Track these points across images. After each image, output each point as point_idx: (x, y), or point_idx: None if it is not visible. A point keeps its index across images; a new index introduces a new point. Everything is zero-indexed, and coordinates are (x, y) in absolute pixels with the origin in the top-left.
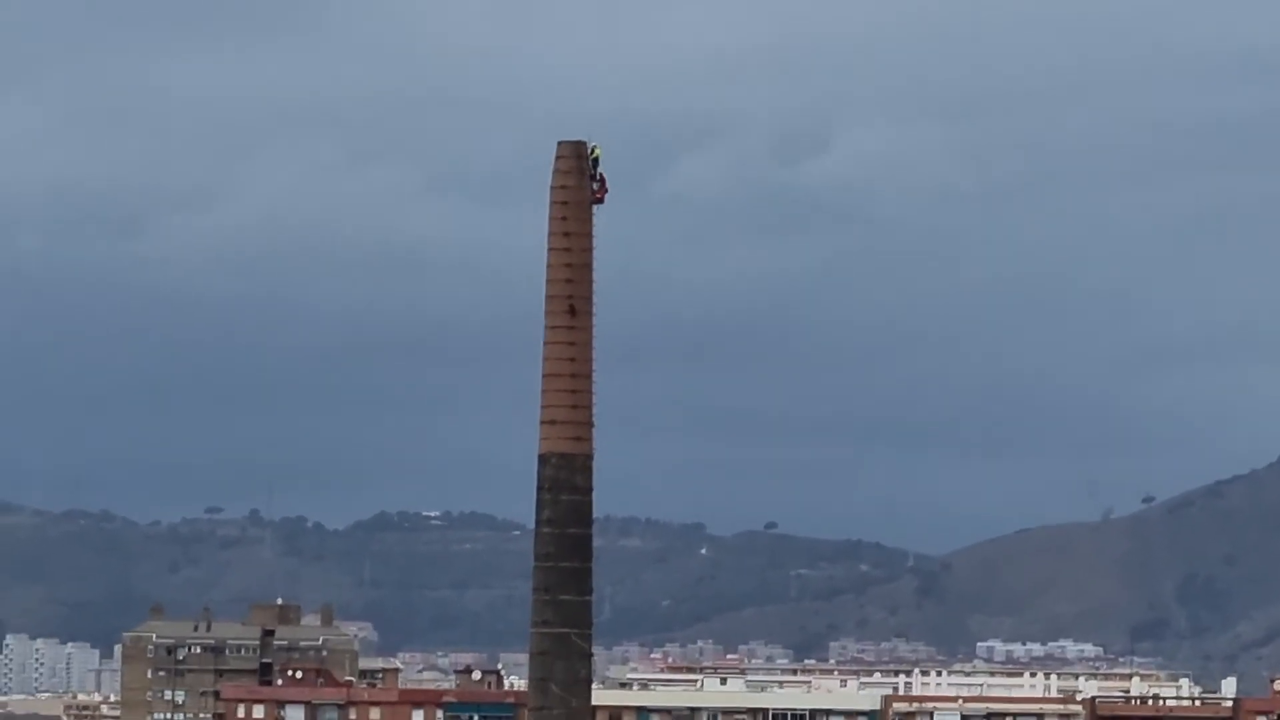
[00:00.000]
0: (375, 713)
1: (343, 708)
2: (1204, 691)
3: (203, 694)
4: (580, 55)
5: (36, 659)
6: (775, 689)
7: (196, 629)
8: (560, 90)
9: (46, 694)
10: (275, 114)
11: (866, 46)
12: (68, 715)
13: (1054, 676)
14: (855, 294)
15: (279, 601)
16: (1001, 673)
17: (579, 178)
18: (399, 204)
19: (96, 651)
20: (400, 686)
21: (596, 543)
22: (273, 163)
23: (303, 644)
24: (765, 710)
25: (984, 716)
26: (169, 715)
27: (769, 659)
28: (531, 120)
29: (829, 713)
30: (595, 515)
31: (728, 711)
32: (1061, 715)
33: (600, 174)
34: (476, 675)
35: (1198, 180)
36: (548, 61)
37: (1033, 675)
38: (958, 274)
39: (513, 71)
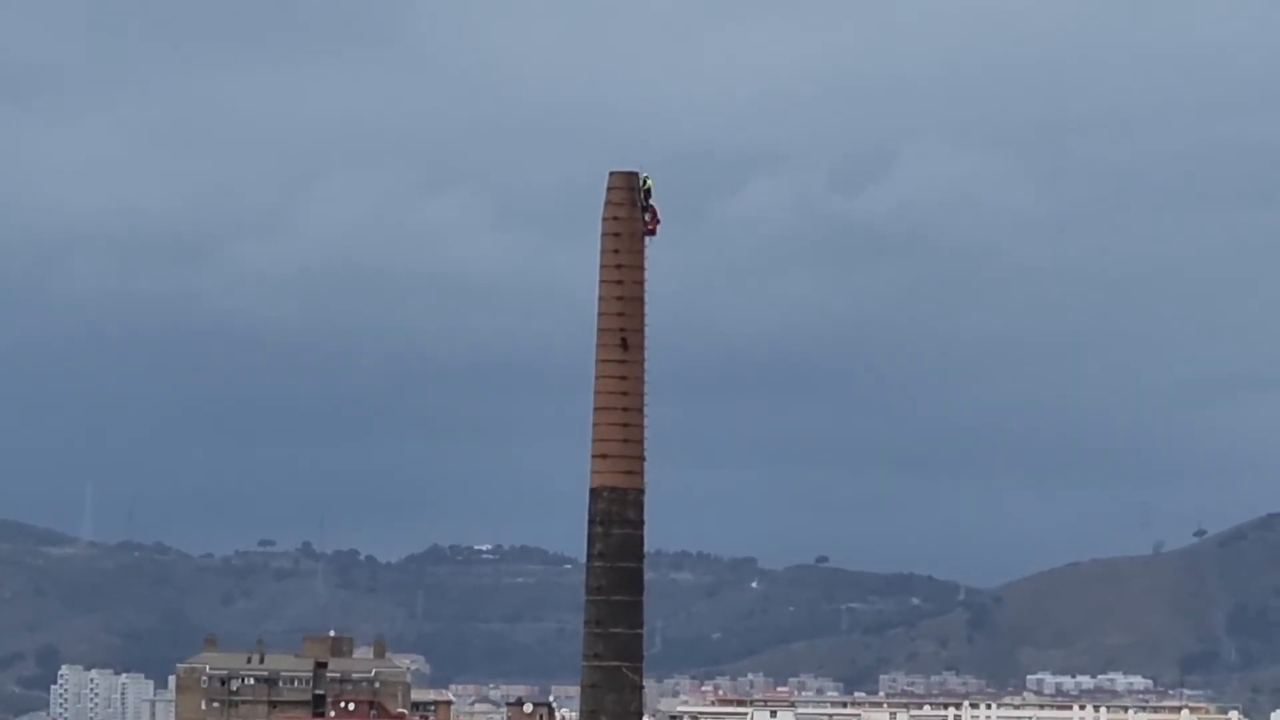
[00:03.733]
0: None
1: None
2: None
3: None
4: (647, 86)
5: (91, 690)
6: None
7: (250, 660)
8: (626, 121)
9: None
10: (342, 143)
11: (928, 76)
12: None
13: (1104, 709)
14: (910, 326)
15: (332, 633)
16: (1051, 705)
17: (630, 209)
18: (463, 234)
19: (151, 682)
20: (452, 719)
21: (648, 576)
22: (338, 192)
23: (355, 676)
24: None
25: None
26: None
27: (819, 692)
28: (597, 150)
29: None
30: (647, 549)
31: None
32: None
33: (652, 205)
34: (528, 708)
35: (1258, 210)
36: (615, 92)
37: (1083, 708)
38: (1013, 305)
39: (580, 101)
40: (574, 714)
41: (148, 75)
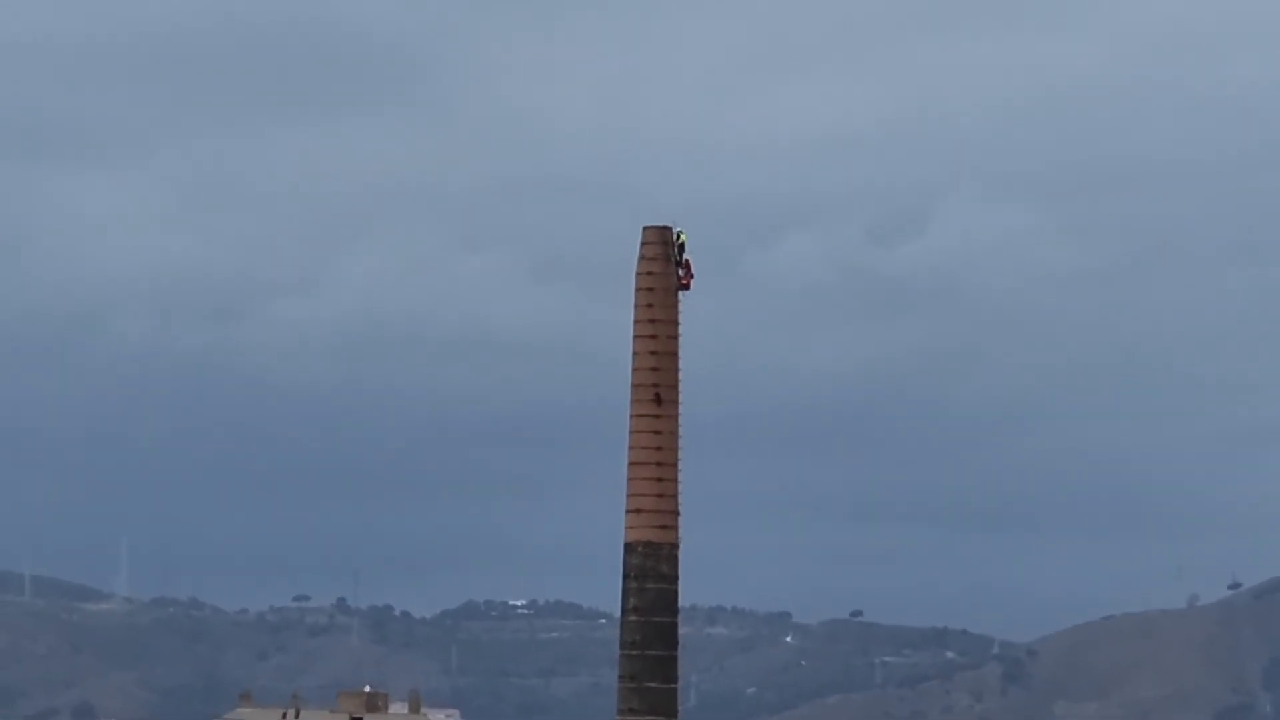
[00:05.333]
0: None
1: None
2: None
3: None
4: (682, 140)
5: None
6: None
7: (285, 716)
8: (661, 174)
9: None
10: (379, 200)
11: (965, 129)
12: None
13: None
14: (945, 379)
15: (367, 689)
16: None
17: (664, 264)
18: (499, 291)
19: None
20: None
21: (682, 631)
22: (375, 249)
23: None
24: None
25: None
26: None
27: None
28: (631, 204)
29: None
30: (681, 603)
31: None
32: None
33: (686, 259)
34: None
35: None
36: (650, 146)
37: None
38: (1048, 359)
39: (616, 155)
40: None
41: (185, 132)
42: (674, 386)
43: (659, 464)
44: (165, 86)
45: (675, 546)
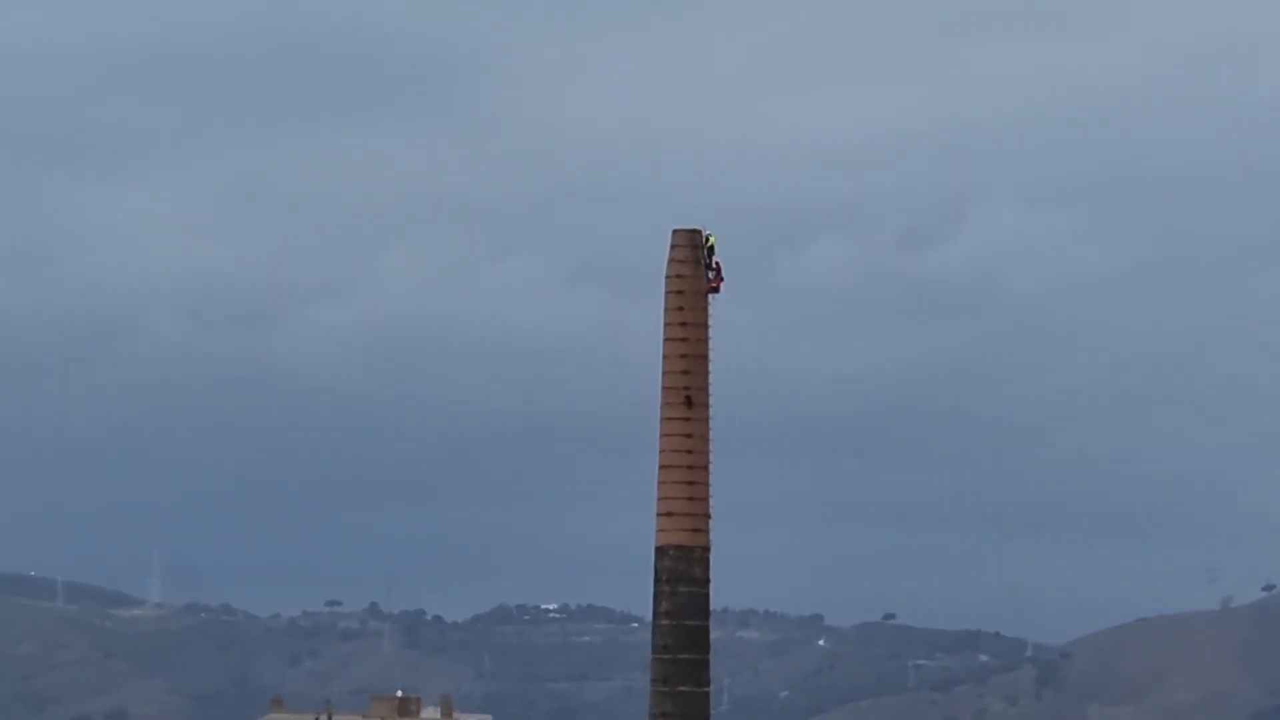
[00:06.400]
0: None
1: None
2: None
3: None
4: (714, 143)
5: None
6: None
7: None
8: (692, 178)
9: None
10: (412, 207)
11: (998, 133)
12: None
13: None
14: (977, 383)
15: (399, 693)
16: None
17: (694, 267)
18: (530, 296)
19: None
20: None
21: (714, 634)
22: (408, 255)
23: None
24: None
25: None
26: None
27: None
28: (664, 209)
29: None
30: (713, 607)
31: None
32: None
33: (716, 263)
34: None
35: None
36: (682, 149)
37: None
38: (1081, 363)
39: (647, 159)
40: None
41: (217, 139)
42: (705, 389)
43: (690, 467)
44: (197, 94)
45: (707, 550)
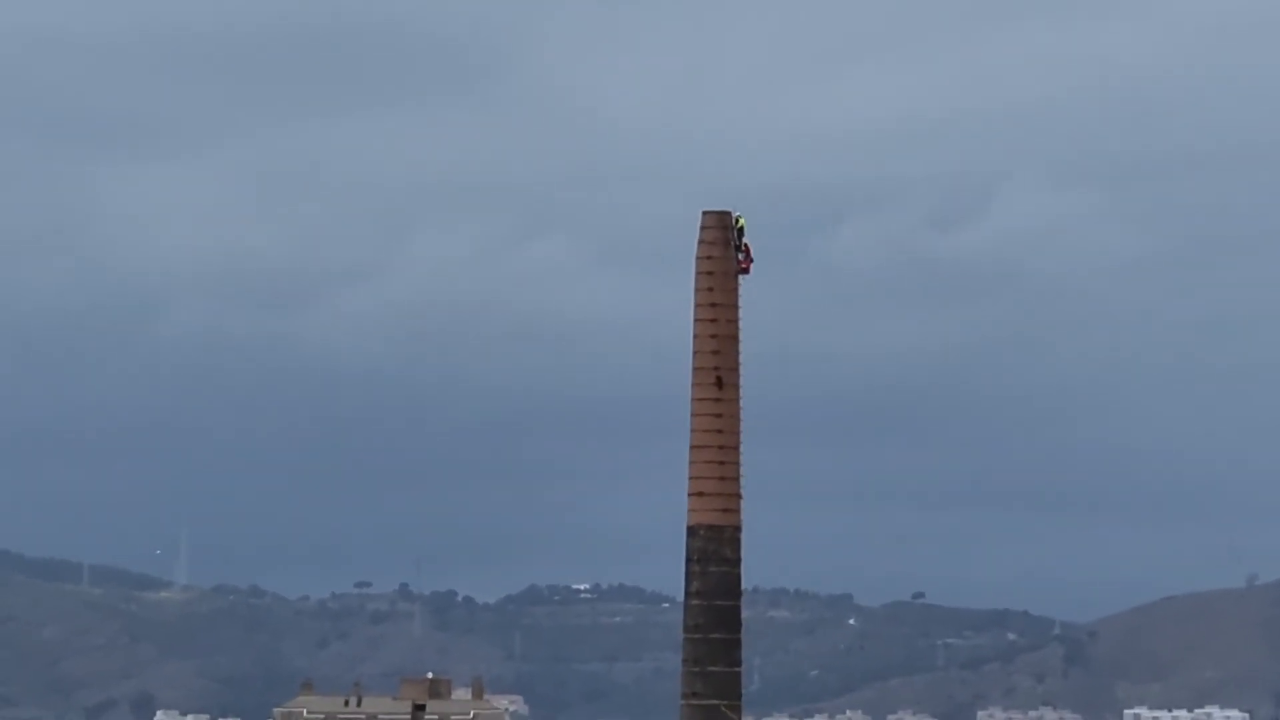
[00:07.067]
0: None
1: None
2: None
3: None
4: (743, 124)
5: None
6: None
7: (347, 704)
8: (724, 160)
9: None
10: (441, 187)
11: (1028, 115)
12: None
13: None
14: (1005, 363)
15: (429, 675)
16: None
17: (724, 248)
18: (560, 277)
19: None
20: None
21: (745, 614)
22: (437, 236)
23: (453, 718)
24: None
25: None
26: None
27: None
28: (695, 190)
29: None
30: (744, 586)
31: None
32: None
33: (745, 244)
34: None
35: None
36: (713, 132)
37: None
38: (1108, 343)
39: (677, 140)
40: None
41: (248, 122)
42: (735, 370)
43: (720, 447)
44: (229, 77)
45: (737, 529)
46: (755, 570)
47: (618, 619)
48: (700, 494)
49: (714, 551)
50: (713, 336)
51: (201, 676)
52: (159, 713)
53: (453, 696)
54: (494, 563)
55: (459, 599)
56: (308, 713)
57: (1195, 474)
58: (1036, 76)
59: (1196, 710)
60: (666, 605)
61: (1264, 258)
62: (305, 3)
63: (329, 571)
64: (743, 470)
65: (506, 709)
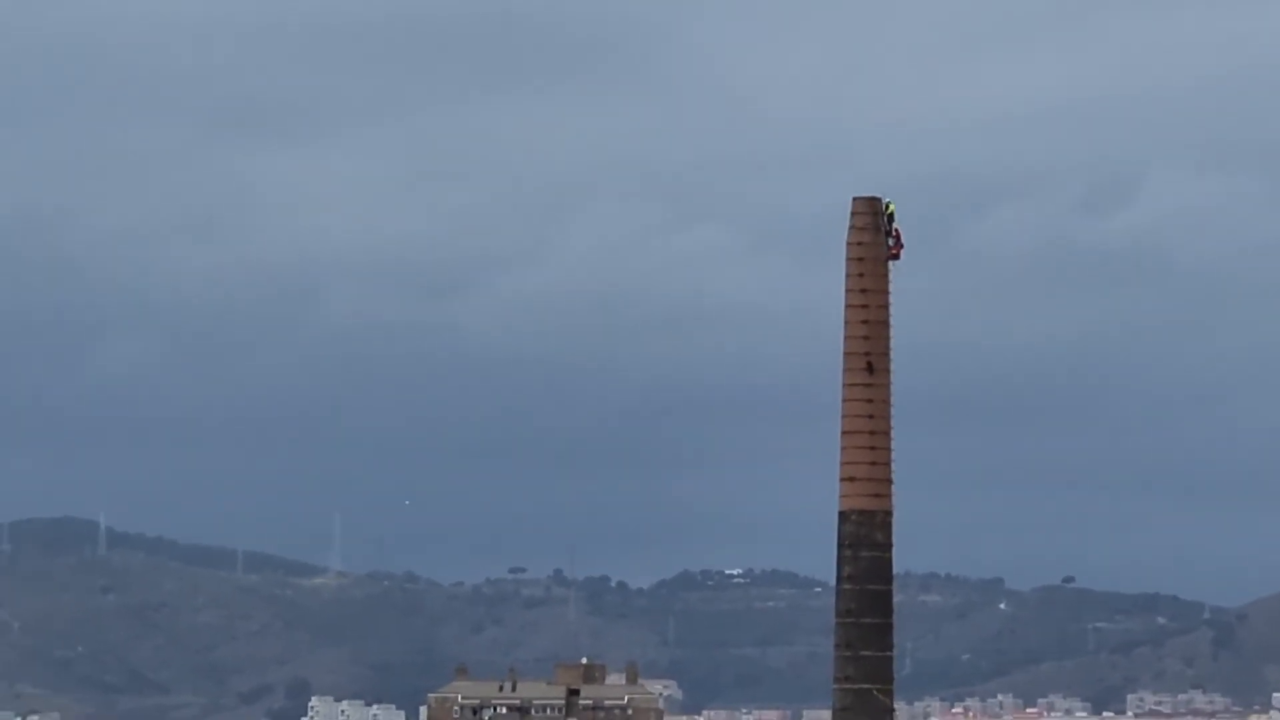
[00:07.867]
0: None
1: None
2: None
3: None
4: (894, 110)
5: None
6: None
7: (502, 689)
8: (876, 148)
9: None
10: (598, 173)
11: (1178, 99)
12: None
13: None
14: (1156, 349)
15: (584, 660)
16: None
17: (874, 234)
18: (716, 263)
19: (402, 713)
20: None
21: (897, 598)
22: (595, 222)
23: (608, 703)
24: None
25: None
26: None
27: (1068, 712)
28: (847, 177)
29: None
30: (895, 571)
31: None
32: None
33: (896, 230)
34: None
35: None
36: (866, 120)
37: None
38: (1257, 328)
39: (829, 127)
40: None
41: (407, 108)
42: (885, 355)
43: (872, 432)
44: (389, 63)
45: (889, 514)
46: (906, 554)
47: (770, 604)
48: (852, 479)
49: (866, 536)
50: (863, 322)
51: (356, 663)
52: (314, 698)
53: (607, 681)
54: (647, 548)
55: (612, 584)
56: (462, 698)
57: None
58: (1188, 60)
59: None
60: (819, 590)
61: None
62: None
63: (483, 557)
64: (894, 455)
65: (660, 694)
